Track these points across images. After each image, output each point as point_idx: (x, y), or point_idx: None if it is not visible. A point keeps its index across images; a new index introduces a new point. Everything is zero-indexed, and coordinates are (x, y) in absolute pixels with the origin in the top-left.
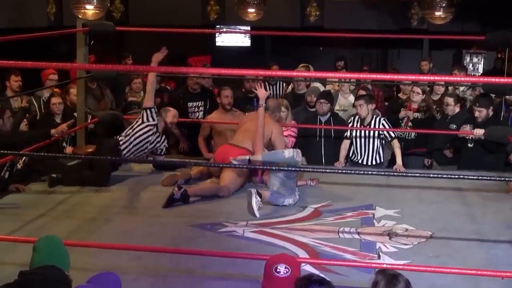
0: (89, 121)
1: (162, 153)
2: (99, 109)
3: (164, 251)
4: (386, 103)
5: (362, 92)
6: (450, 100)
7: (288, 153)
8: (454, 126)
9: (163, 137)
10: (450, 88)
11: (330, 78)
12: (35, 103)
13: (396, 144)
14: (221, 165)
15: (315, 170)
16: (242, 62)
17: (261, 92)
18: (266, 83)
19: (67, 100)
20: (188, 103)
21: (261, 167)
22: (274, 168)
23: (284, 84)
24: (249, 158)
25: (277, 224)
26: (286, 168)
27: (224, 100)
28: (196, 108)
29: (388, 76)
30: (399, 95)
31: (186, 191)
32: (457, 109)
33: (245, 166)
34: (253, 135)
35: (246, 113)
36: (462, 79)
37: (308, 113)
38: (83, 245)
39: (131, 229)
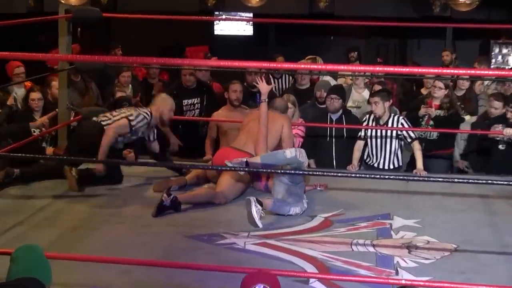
0: (72, 118)
1: (153, 139)
2: (83, 105)
3: (157, 264)
4: (399, 98)
5: (377, 87)
6: (497, 104)
7: (290, 153)
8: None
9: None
10: (478, 83)
11: (341, 71)
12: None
13: (416, 145)
14: (212, 167)
15: (325, 174)
16: (243, 53)
17: (263, 86)
18: (270, 76)
19: (48, 95)
20: (183, 101)
21: (258, 170)
22: (278, 171)
23: (290, 77)
24: (246, 161)
25: (283, 235)
26: (290, 171)
27: (232, 95)
28: (192, 106)
29: (407, 69)
30: (422, 90)
31: (176, 198)
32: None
33: (242, 169)
34: (256, 136)
35: (248, 111)
36: (490, 72)
37: (317, 110)
38: (65, 257)
39: (119, 239)
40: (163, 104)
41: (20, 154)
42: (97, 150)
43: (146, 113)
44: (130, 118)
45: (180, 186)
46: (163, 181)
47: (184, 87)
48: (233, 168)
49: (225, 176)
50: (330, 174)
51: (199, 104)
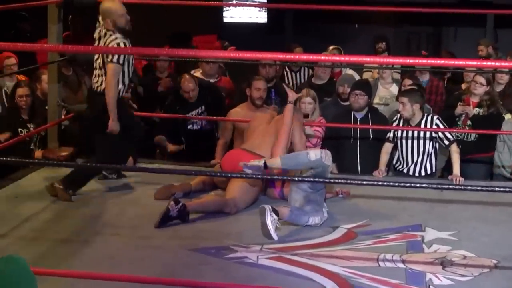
0: (63, 117)
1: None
2: (76, 101)
3: (157, 282)
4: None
5: (407, 82)
6: None
7: (315, 155)
8: None
9: None
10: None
11: (368, 64)
12: None
13: (454, 148)
14: (221, 174)
15: (348, 181)
16: (256, 43)
17: (292, 95)
18: (287, 70)
19: (38, 90)
20: (187, 114)
21: (279, 178)
22: (296, 178)
23: (310, 70)
24: (265, 162)
25: (300, 249)
26: (309, 179)
27: (255, 93)
28: (197, 115)
29: (442, 61)
30: (462, 85)
31: (184, 207)
32: None
33: (259, 176)
34: (274, 139)
35: (256, 112)
36: None
37: (340, 108)
38: (54, 273)
39: (115, 254)
40: (109, 13)
41: (4, 158)
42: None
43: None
44: (114, 59)
45: (185, 192)
46: (165, 187)
47: (185, 98)
48: (247, 175)
49: (236, 181)
50: (353, 181)
51: (204, 114)
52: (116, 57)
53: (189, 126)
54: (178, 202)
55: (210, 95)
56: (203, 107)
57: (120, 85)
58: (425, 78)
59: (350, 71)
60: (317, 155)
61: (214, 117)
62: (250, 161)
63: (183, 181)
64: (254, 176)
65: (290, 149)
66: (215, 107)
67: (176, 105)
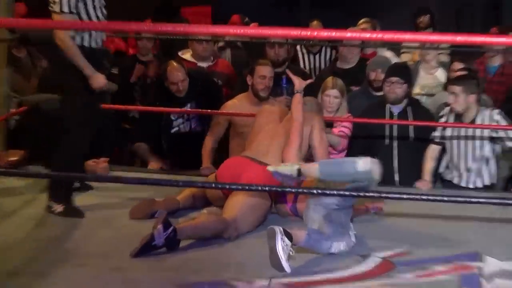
0: (12, 110)
1: None
2: (30, 90)
3: None
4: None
5: (457, 67)
6: None
7: (364, 164)
8: None
9: None
10: None
11: (406, 42)
12: None
13: None
14: (217, 186)
15: (383, 195)
16: (262, 17)
17: (299, 82)
18: (303, 51)
19: None
20: (172, 116)
21: (292, 191)
22: (314, 191)
23: (334, 51)
24: (299, 169)
25: (320, 284)
26: (332, 192)
27: (258, 83)
28: (185, 115)
29: (503, 39)
30: None
31: (175, 233)
32: None
33: (266, 188)
34: (283, 141)
35: (264, 104)
36: None
37: (371, 100)
38: None
39: None
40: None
41: None
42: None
43: None
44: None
45: (170, 210)
46: (145, 203)
47: (171, 94)
48: (250, 188)
49: (237, 197)
50: (390, 196)
51: (195, 108)
52: (58, 6)
53: (174, 129)
54: (167, 227)
55: (203, 87)
56: (193, 103)
57: (78, 38)
58: (495, 62)
59: (386, 53)
60: (366, 165)
61: (203, 110)
62: (281, 166)
63: (168, 195)
64: (266, 189)
65: (307, 155)
66: (209, 102)
67: (159, 101)
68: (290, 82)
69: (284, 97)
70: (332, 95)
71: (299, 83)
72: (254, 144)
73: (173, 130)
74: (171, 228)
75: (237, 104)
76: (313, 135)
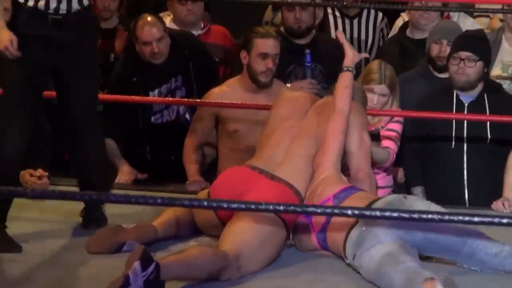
0: None
1: None
2: None
3: None
4: None
5: None
6: None
7: None
8: None
9: None
10: None
11: (481, 3)
12: None
13: None
14: (209, 204)
15: (447, 218)
16: None
17: (351, 52)
18: (336, 14)
19: None
20: (150, 92)
21: (328, 211)
22: (370, 212)
23: (379, 17)
24: None
25: None
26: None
27: (257, 63)
28: (169, 96)
29: None
30: None
31: (157, 272)
32: None
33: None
34: (313, 148)
35: (283, 89)
36: None
37: (433, 84)
38: None
39: None
40: None
41: None
42: None
43: None
44: None
45: (144, 241)
46: (107, 231)
47: (149, 63)
48: (258, 207)
49: (239, 222)
50: (457, 219)
51: (182, 90)
52: None
53: (156, 117)
54: (147, 264)
55: (193, 55)
56: (180, 78)
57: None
58: None
59: (460, 18)
60: None
61: (183, 100)
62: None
63: (140, 220)
64: (281, 208)
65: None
66: (205, 77)
67: (131, 76)
68: (317, 59)
69: (308, 81)
70: (378, 92)
71: (352, 56)
72: (266, 149)
73: (153, 118)
74: (152, 266)
75: (226, 92)
76: (351, 136)
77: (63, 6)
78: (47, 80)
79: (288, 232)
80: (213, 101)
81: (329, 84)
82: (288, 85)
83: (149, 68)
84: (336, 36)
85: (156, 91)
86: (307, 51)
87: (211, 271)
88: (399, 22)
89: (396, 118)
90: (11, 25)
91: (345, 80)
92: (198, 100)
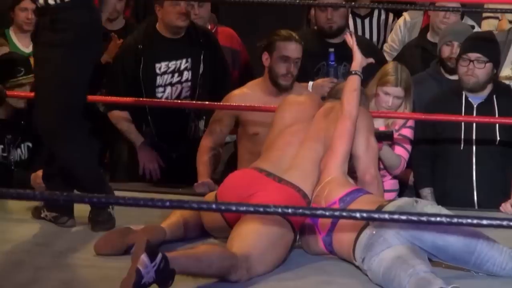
0: None
1: None
2: None
3: None
4: None
5: None
6: None
7: None
8: None
9: None
10: None
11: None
12: None
13: None
14: (218, 208)
15: (456, 220)
16: None
17: (359, 56)
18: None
19: None
20: (157, 64)
21: (336, 214)
22: (384, 216)
23: (390, 16)
24: None
25: None
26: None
27: (279, 66)
28: (176, 75)
29: None
30: None
31: (166, 263)
32: None
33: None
34: (321, 151)
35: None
36: None
37: (443, 86)
38: None
39: None
40: None
41: None
42: None
43: None
44: None
45: (153, 242)
46: (116, 233)
47: (160, 35)
48: (266, 210)
49: (248, 225)
50: (465, 222)
51: (189, 72)
52: None
53: (160, 93)
54: (153, 255)
55: (205, 43)
56: (190, 60)
57: None
58: None
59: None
60: None
61: (196, 103)
62: None
63: (149, 223)
64: (289, 211)
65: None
66: (211, 72)
67: (137, 44)
68: (347, 58)
69: (329, 79)
70: (393, 95)
71: (360, 60)
72: (273, 152)
73: (159, 93)
74: (159, 256)
75: (247, 95)
76: (358, 140)
77: None
78: None
79: (295, 234)
80: (233, 103)
81: None
82: (311, 82)
83: (161, 41)
84: (346, 38)
85: (162, 64)
86: (331, 50)
87: (220, 267)
88: (400, 21)
89: (408, 124)
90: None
91: (352, 84)
92: (216, 103)
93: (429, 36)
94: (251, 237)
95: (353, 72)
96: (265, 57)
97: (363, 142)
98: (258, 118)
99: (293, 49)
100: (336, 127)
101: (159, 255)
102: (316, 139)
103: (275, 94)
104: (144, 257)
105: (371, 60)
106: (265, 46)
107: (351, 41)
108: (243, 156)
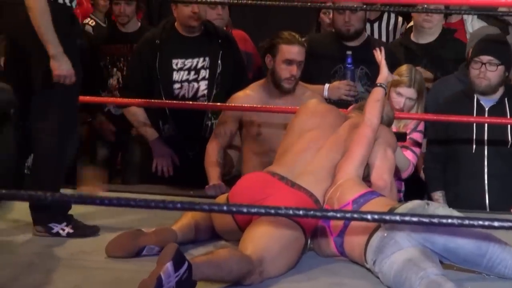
0: None
1: None
2: None
3: None
4: None
5: None
6: None
7: None
8: None
9: None
10: None
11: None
12: None
13: None
14: (229, 209)
15: (466, 222)
16: None
17: (386, 71)
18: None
19: None
20: (174, 60)
21: (347, 216)
22: (394, 218)
23: (400, 20)
24: None
25: None
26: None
27: (282, 69)
28: (193, 73)
29: None
30: None
31: (190, 273)
32: None
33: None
34: (335, 154)
35: (307, 93)
36: None
37: (454, 88)
38: None
39: None
40: None
41: None
42: None
43: None
44: None
45: (163, 246)
46: (127, 235)
47: (178, 33)
48: (277, 212)
49: (259, 228)
50: (477, 224)
51: (207, 71)
52: None
53: (176, 89)
54: (180, 264)
55: (223, 45)
56: (207, 59)
57: None
58: None
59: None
60: None
61: (203, 104)
62: None
63: (160, 224)
64: (300, 213)
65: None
66: (229, 71)
67: (155, 38)
68: (365, 61)
69: (346, 82)
70: (406, 96)
71: (386, 75)
72: (288, 156)
73: (176, 89)
74: (184, 266)
75: (250, 96)
76: (376, 150)
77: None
78: None
79: (306, 239)
80: (236, 104)
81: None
82: (327, 84)
83: (178, 38)
84: (375, 53)
85: (179, 61)
86: (349, 53)
87: (238, 274)
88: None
89: (419, 128)
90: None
91: (376, 95)
92: (219, 103)
93: (413, 36)
94: (264, 240)
95: (378, 84)
96: (268, 59)
97: (381, 154)
98: (260, 119)
99: (296, 52)
100: (356, 133)
101: (185, 266)
102: (335, 149)
103: (278, 96)
104: (169, 266)
105: (396, 77)
106: (267, 48)
107: (380, 56)
108: (247, 157)
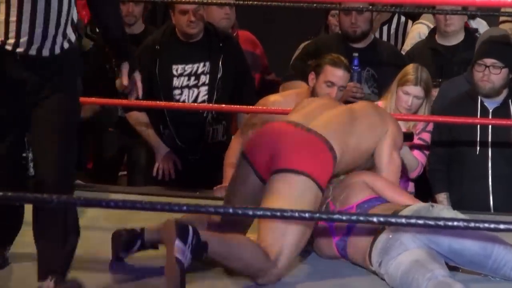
0: None
1: None
2: None
3: None
4: None
5: None
6: None
7: None
8: None
9: None
10: None
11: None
12: None
13: None
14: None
15: (471, 225)
16: None
17: None
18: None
19: None
20: (174, 66)
21: (353, 218)
22: (401, 220)
23: (409, 22)
24: None
25: None
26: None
27: (323, 88)
28: (193, 78)
29: None
30: None
31: (197, 237)
32: None
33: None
34: (349, 130)
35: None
36: None
37: (462, 89)
38: None
39: None
40: None
41: None
42: None
43: None
44: None
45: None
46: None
47: (178, 38)
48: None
49: (272, 222)
50: (482, 226)
51: (207, 76)
52: None
53: (177, 95)
54: (185, 235)
55: (226, 48)
56: (208, 64)
57: None
58: None
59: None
60: None
61: (214, 106)
62: None
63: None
64: (306, 216)
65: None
66: (231, 75)
67: (155, 44)
68: (371, 63)
69: (352, 84)
70: (413, 94)
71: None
72: (304, 108)
73: (176, 95)
74: (190, 234)
75: (281, 103)
76: (381, 150)
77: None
78: None
79: (322, 191)
80: (264, 108)
81: (380, 89)
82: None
83: (178, 44)
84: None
85: (179, 67)
86: (355, 54)
87: (249, 265)
88: (418, 27)
89: (428, 128)
90: None
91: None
92: (238, 106)
93: (438, 39)
94: (285, 242)
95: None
96: (311, 76)
97: (387, 154)
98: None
99: (340, 76)
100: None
101: (190, 232)
102: (346, 123)
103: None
104: (178, 243)
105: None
106: (314, 66)
107: None
108: None
